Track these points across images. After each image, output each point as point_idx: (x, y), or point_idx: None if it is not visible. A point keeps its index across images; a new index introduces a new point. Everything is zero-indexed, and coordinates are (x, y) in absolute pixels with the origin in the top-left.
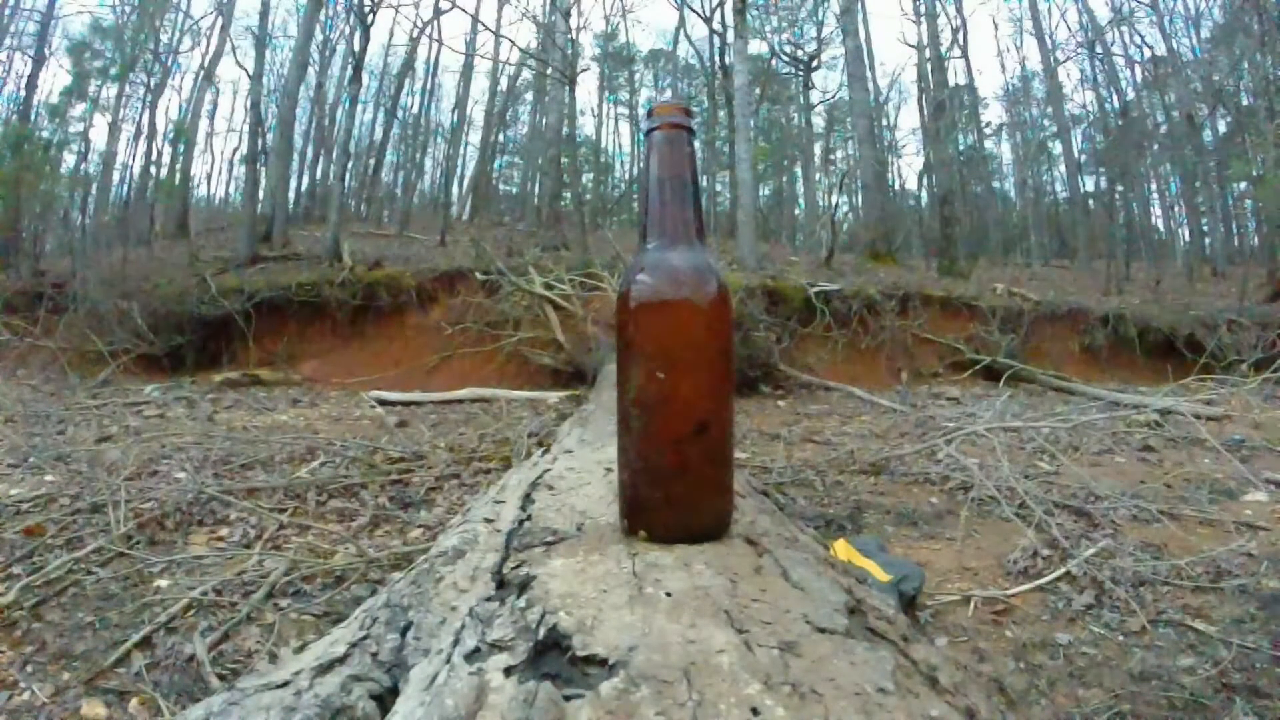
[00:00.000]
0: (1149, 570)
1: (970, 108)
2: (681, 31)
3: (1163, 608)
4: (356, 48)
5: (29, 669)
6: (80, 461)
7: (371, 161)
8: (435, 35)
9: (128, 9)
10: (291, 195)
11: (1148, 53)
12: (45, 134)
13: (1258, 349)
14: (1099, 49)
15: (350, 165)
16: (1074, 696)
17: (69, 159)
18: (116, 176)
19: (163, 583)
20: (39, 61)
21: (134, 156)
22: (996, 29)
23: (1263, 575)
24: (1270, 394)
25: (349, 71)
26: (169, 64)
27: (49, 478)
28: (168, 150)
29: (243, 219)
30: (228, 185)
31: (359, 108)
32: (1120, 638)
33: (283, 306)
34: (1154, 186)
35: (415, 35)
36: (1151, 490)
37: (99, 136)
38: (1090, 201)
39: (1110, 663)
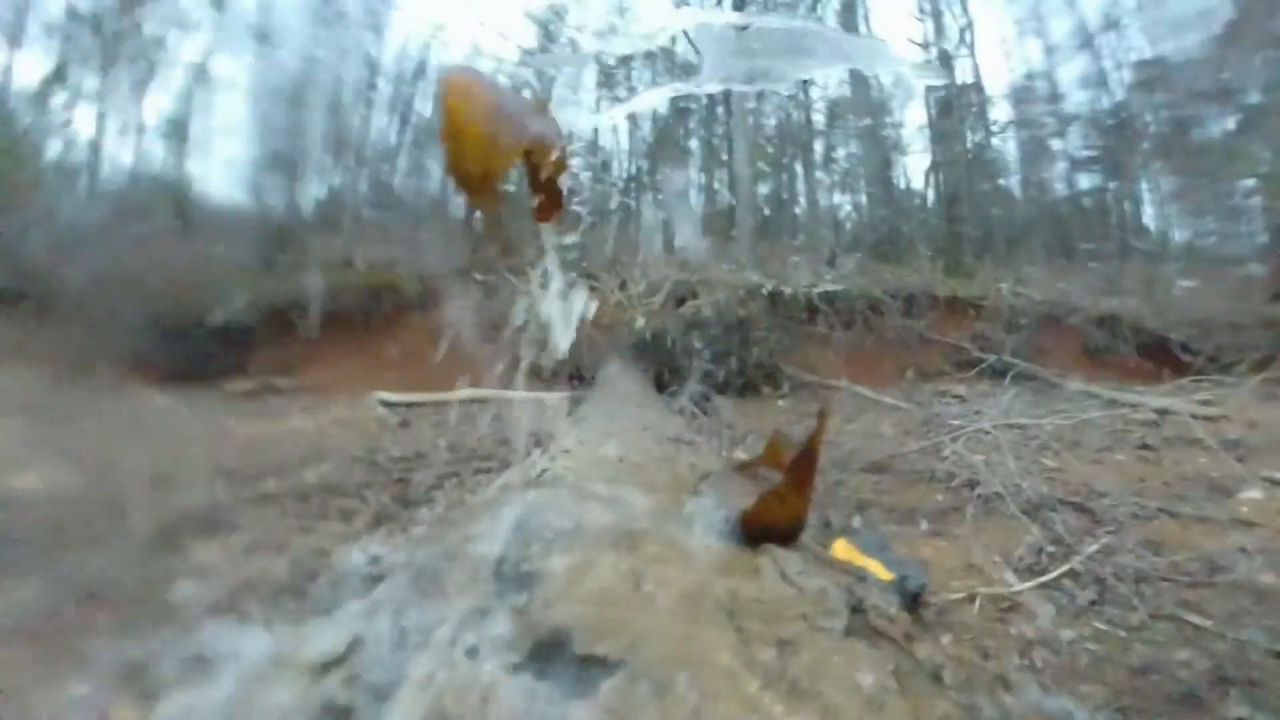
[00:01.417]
0: (1149, 566)
1: (979, 105)
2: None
3: (1161, 603)
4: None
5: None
6: (90, 469)
7: (385, 167)
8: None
9: None
10: (303, 200)
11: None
12: (25, 121)
13: (1258, 349)
14: (1091, 50)
15: (364, 170)
16: (1076, 692)
17: (53, 147)
18: (107, 167)
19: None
20: (15, 45)
21: (123, 149)
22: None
23: (1257, 570)
24: (1268, 394)
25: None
26: (155, 56)
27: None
28: (161, 144)
29: (253, 223)
30: (233, 186)
31: (372, 112)
32: (1121, 633)
33: (294, 312)
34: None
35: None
36: (1151, 488)
37: (85, 127)
38: (1085, 200)
39: (1112, 658)
